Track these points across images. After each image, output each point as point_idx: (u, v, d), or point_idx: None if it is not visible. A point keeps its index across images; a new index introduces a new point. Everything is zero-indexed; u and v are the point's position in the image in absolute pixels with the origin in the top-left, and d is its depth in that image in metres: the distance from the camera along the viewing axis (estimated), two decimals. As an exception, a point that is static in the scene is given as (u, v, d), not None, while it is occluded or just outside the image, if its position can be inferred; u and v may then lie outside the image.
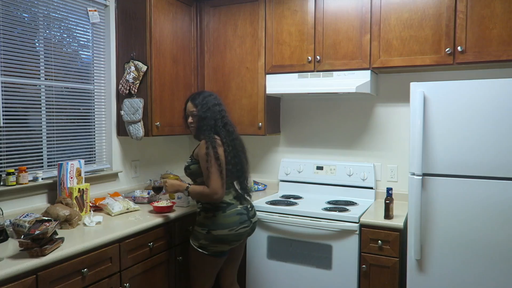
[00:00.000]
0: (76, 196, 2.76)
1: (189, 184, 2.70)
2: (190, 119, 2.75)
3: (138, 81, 3.21)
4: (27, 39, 2.74)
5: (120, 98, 3.33)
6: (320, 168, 3.60)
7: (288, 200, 3.36)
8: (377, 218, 2.83)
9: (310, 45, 3.25)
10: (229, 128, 2.72)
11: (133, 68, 3.21)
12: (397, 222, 2.74)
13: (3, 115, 2.60)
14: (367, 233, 2.80)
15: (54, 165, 2.93)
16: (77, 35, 3.12)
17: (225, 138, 2.66)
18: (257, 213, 3.12)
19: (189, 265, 2.80)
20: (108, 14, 3.30)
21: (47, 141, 2.91)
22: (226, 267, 2.88)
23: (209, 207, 2.66)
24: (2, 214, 2.29)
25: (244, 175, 2.78)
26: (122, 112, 3.25)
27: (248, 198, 2.83)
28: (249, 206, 2.78)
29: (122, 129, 3.35)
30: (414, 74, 3.28)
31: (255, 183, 3.82)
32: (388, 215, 2.79)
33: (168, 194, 3.36)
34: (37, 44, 2.82)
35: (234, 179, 2.77)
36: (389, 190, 2.82)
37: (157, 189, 3.07)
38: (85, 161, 3.04)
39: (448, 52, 2.80)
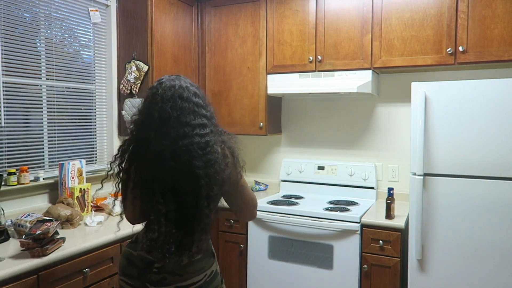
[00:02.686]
0: (77, 196, 2.76)
1: None
2: None
3: (139, 81, 3.21)
4: (29, 39, 2.75)
5: (121, 98, 3.33)
6: (321, 168, 3.60)
7: (289, 200, 3.36)
8: (378, 218, 2.83)
9: (311, 45, 3.25)
10: (152, 142, 1.59)
11: (134, 68, 3.21)
12: (398, 222, 2.74)
13: (4, 115, 2.60)
14: (368, 233, 2.79)
15: (55, 165, 2.93)
16: (78, 35, 3.12)
17: (133, 156, 1.69)
18: (258, 213, 3.11)
19: None
20: (109, 14, 3.30)
21: (48, 141, 2.91)
22: None
23: None
24: (4, 214, 2.30)
25: (164, 220, 1.58)
26: (123, 112, 3.25)
27: (174, 256, 1.60)
28: (157, 265, 1.65)
29: (123, 129, 3.35)
30: (415, 74, 3.28)
31: (257, 183, 3.82)
32: (389, 215, 2.79)
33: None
34: (38, 44, 2.82)
35: (149, 212, 1.65)
36: (390, 190, 2.82)
37: None
38: (86, 161, 3.05)
39: (449, 52, 2.79)
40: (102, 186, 1.97)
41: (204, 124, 1.63)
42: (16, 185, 2.59)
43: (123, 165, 1.73)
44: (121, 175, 1.75)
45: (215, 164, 1.60)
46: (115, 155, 1.73)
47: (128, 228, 2.50)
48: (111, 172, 1.80)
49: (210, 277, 1.72)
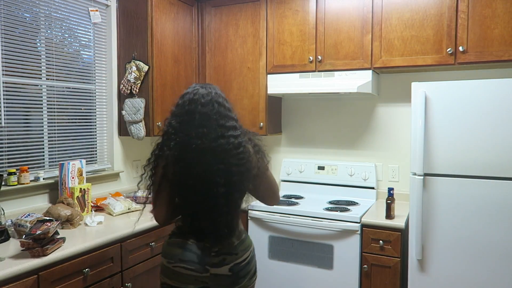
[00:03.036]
0: (77, 196, 2.76)
1: None
2: None
3: (139, 81, 3.21)
4: (29, 39, 2.75)
5: (121, 98, 3.33)
6: (321, 168, 3.60)
7: (289, 200, 3.36)
8: (378, 218, 2.83)
9: (312, 45, 3.25)
10: (193, 141, 1.84)
11: (134, 68, 3.21)
12: (398, 222, 2.74)
13: (4, 115, 2.60)
14: (369, 233, 2.79)
15: (55, 165, 2.93)
16: (79, 35, 3.13)
17: (179, 151, 1.86)
18: (258, 213, 3.12)
19: None
20: (110, 14, 3.30)
21: (49, 141, 2.91)
22: None
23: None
24: (4, 214, 2.30)
25: (212, 210, 1.88)
26: (123, 112, 3.25)
27: (223, 240, 1.93)
28: (214, 249, 1.92)
29: (123, 129, 3.35)
30: (416, 74, 3.28)
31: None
32: (389, 215, 2.79)
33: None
34: (38, 44, 2.82)
35: (190, 207, 1.95)
36: (390, 190, 2.82)
37: None
38: (86, 161, 3.05)
39: (449, 52, 2.79)
40: (139, 189, 2.36)
41: (235, 126, 1.90)
42: (16, 185, 2.59)
43: (157, 166, 1.93)
44: (153, 177, 1.94)
45: (247, 163, 1.89)
46: (149, 159, 1.95)
47: (129, 228, 2.50)
48: (145, 175, 1.99)
49: (253, 251, 2.09)
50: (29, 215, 2.32)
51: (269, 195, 2.09)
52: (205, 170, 1.84)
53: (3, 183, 2.50)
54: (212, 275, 1.92)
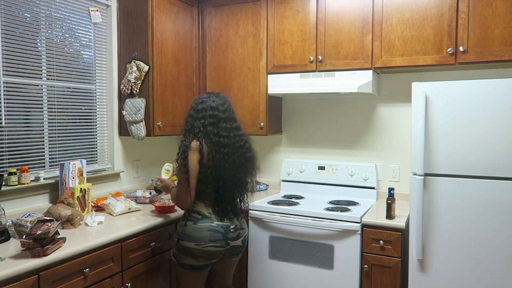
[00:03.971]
0: (78, 196, 2.76)
1: (175, 186, 2.59)
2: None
3: (140, 81, 3.21)
4: (29, 39, 2.75)
5: (122, 98, 3.33)
6: (322, 168, 3.60)
7: (290, 200, 3.36)
8: (378, 218, 2.83)
9: (312, 45, 3.25)
10: (222, 140, 2.39)
11: (135, 68, 3.21)
12: (399, 222, 2.74)
13: (5, 115, 2.60)
14: (369, 233, 2.79)
15: (56, 165, 2.93)
16: (79, 35, 3.13)
17: (212, 146, 2.37)
18: (259, 213, 3.12)
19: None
20: (110, 14, 3.30)
21: (49, 141, 2.92)
22: (214, 277, 2.73)
23: (185, 214, 2.51)
24: (4, 214, 2.30)
25: (232, 194, 2.49)
26: (124, 112, 3.25)
27: (235, 217, 2.53)
28: (232, 226, 2.48)
29: (124, 129, 3.35)
30: (416, 74, 3.28)
31: (257, 183, 3.82)
32: (389, 215, 2.79)
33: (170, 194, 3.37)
34: (39, 44, 2.82)
35: (217, 192, 2.45)
36: (390, 190, 2.81)
37: (159, 190, 3.07)
38: (87, 161, 3.05)
39: (450, 52, 2.79)
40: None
41: (240, 127, 2.54)
42: (16, 185, 2.59)
43: (189, 161, 2.36)
44: (186, 170, 2.35)
45: (256, 155, 2.59)
46: (182, 154, 2.38)
47: (129, 228, 2.51)
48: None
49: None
50: (29, 215, 2.32)
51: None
52: (235, 162, 2.43)
53: (3, 183, 2.51)
54: (231, 247, 2.49)
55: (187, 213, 2.48)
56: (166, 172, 3.01)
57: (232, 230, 2.47)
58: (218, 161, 2.37)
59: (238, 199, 2.54)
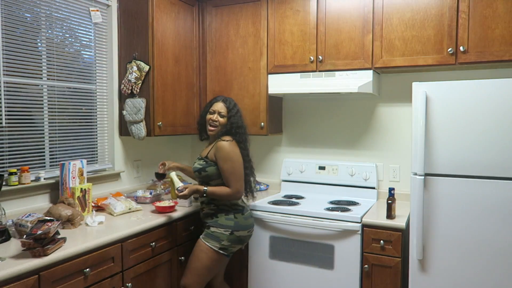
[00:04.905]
0: (78, 196, 2.76)
1: (205, 187, 2.74)
2: (215, 117, 2.80)
3: (140, 81, 3.21)
4: (29, 39, 2.75)
5: (122, 98, 3.33)
6: (322, 168, 3.60)
7: (290, 200, 3.36)
8: (379, 218, 2.83)
9: (312, 45, 3.25)
10: (247, 137, 2.86)
11: (135, 68, 3.21)
12: (399, 222, 2.74)
13: (5, 115, 2.60)
14: (369, 233, 2.79)
15: (56, 165, 2.93)
16: (79, 35, 3.13)
17: (246, 145, 2.83)
18: (259, 213, 3.14)
19: (196, 267, 2.72)
20: (110, 14, 3.30)
21: (49, 141, 2.92)
22: (216, 275, 2.97)
23: (227, 209, 2.76)
24: (5, 214, 2.30)
25: (252, 181, 2.94)
26: (124, 112, 3.25)
27: (245, 200, 2.95)
28: (249, 211, 2.93)
29: (124, 129, 3.35)
30: (416, 74, 3.28)
31: (257, 183, 3.82)
32: (390, 215, 2.79)
33: (170, 194, 3.37)
34: (39, 44, 2.82)
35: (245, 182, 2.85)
36: (391, 190, 2.81)
37: (160, 176, 3.07)
38: (87, 161, 3.04)
39: (450, 52, 2.79)
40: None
41: None
42: (17, 185, 2.59)
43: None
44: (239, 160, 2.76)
45: None
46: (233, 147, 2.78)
47: (129, 228, 2.51)
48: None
49: None
50: (30, 215, 2.32)
51: None
52: (248, 155, 2.85)
53: (4, 183, 2.51)
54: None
55: (226, 207, 2.77)
56: (180, 177, 3.05)
57: (251, 216, 2.93)
58: (247, 156, 2.82)
59: (252, 186, 2.94)
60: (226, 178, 2.71)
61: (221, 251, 2.71)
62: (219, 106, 2.82)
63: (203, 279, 2.75)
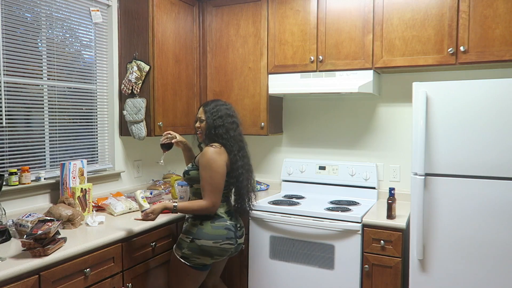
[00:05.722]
0: (78, 196, 2.76)
1: (174, 203, 2.52)
2: (197, 124, 2.70)
3: (140, 81, 3.21)
4: (30, 39, 2.75)
5: (122, 98, 3.33)
6: (322, 168, 3.60)
7: (290, 200, 3.36)
8: (379, 218, 2.83)
9: (313, 45, 3.25)
10: (240, 143, 2.64)
11: (135, 68, 3.21)
12: (399, 222, 2.73)
13: (6, 115, 2.60)
14: (370, 233, 2.79)
15: (56, 165, 2.94)
16: (80, 35, 3.13)
17: (233, 151, 2.58)
18: (260, 213, 3.13)
19: (169, 276, 2.71)
20: (111, 14, 3.30)
21: (50, 141, 2.92)
22: (209, 275, 2.80)
23: (197, 215, 2.58)
24: (5, 214, 2.30)
25: (244, 194, 2.70)
26: (124, 112, 3.25)
27: (239, 217, 2.76)
28: (238, 225, 2.68)
29: (124, 129, 3.35)
30: (417, 74, 3.28)
31: (258, 183, 3.82)
32: (390, 215, 2.79)
33: (170, 194, 3.38)
34: (39, 44, 2.82)
35: (231, 192, 2.71)
36: (391, 190, 2.81)
37: (166, 146, 2.90)
38: (87, 161, 3.05)
39: (450, 52, 2.79)
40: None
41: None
42: (17, 185, 2.59)
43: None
44: (220, 170, 2.53)
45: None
46: (212, 156, 2.53)
47: (128, 229, 2.51)
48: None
49: None
50: (30, 215, 2.32)
51: None
52: (245, 164, 2.65)
53: (4, 183, 2.51)
54: (237, 245, 2.64)
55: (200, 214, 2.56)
56: (144, 200, 2.57)
57: (239, 228, 2.67)
58: (237, 164, 2.59)
59: (246, 199, 2.71)
60: (202, 187, 2.52)
61: (182, 260, 2.55)
62: (199, 112, 2.71)
63: None
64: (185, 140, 2.96)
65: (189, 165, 2.72)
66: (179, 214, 2.88)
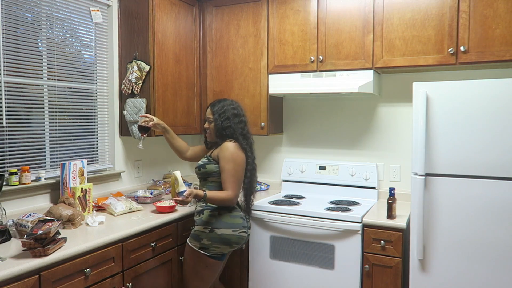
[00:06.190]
0: (78, 196, 2.76)
1: (204, 191, 2.55)
2: (206, 125, 2.79)
3: (140, 81, 3.21)
4: (30, 39, 2.75)
5: (122, 98, 3.33)
6: (322, 168, 3.59)
7: (290, 200, 3.36)
8: (379, 218, 2.83)
9: (313, 45, 3.25)
10: (249, 141, 2.76)
11: (135, 68, 3.21)
12: (399, 222, 2.73)
13: (6, 115, 2.60)
14: (370, 233, 2.79)
15: (56, 165, 2.94)
16: (80, 35, 3.13)
17: (246, 149, 2.70)
18: (260, 213, 3.14)
19: (185, 270, 2.73)
20: (111, 14, 3.30)
21: (50, 141, 2.92)
22: None
23: (211, 206, 2.66)
24: (5, 214, 2.30)
25: (252, 190, 2.84)
26: (124, 112, 3.25)
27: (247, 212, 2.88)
28: (247, 216, 2.83)
29: (124, 129, 3.35)
30: (417, 74, 3.28)
31: (258, 183, 3.81)
32: (390, 215, 2.79)
33: (171, 193, 3.37)
34: (39, 44, 2.82)
35: (242, 190, 2.79)
36: (391, 190, 2.81)
37: (143, 129, 2.90)
38: (87, 161, 3.05)
39: (450, 52, 2.79)
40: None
41: None
42: (17, 185, 2.59)
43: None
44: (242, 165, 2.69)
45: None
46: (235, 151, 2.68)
47: (130, 228, 2.51)
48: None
49: None
50: (30, 215, 2.32)
51: None
52: (254, 160, 2.78)
53: (4, 183, 2.51)
54: (248, 235, 2.75)
55: (214, 205, 2.65)
56: (174, 195, 2.62)
57: (248, 220, 2.81)
58: (249, 162, 2.73)
59: (252, 196, 2.85)
60: (225, 179, 2.60)
61: (201, 251, 2.61)
62: (207, 112, 2.79)
63: (196, 284, 2.70)
64: (162, 122, 2.94)
65: (203, 160, 2.74)
66: (179, 214, 2.91)
